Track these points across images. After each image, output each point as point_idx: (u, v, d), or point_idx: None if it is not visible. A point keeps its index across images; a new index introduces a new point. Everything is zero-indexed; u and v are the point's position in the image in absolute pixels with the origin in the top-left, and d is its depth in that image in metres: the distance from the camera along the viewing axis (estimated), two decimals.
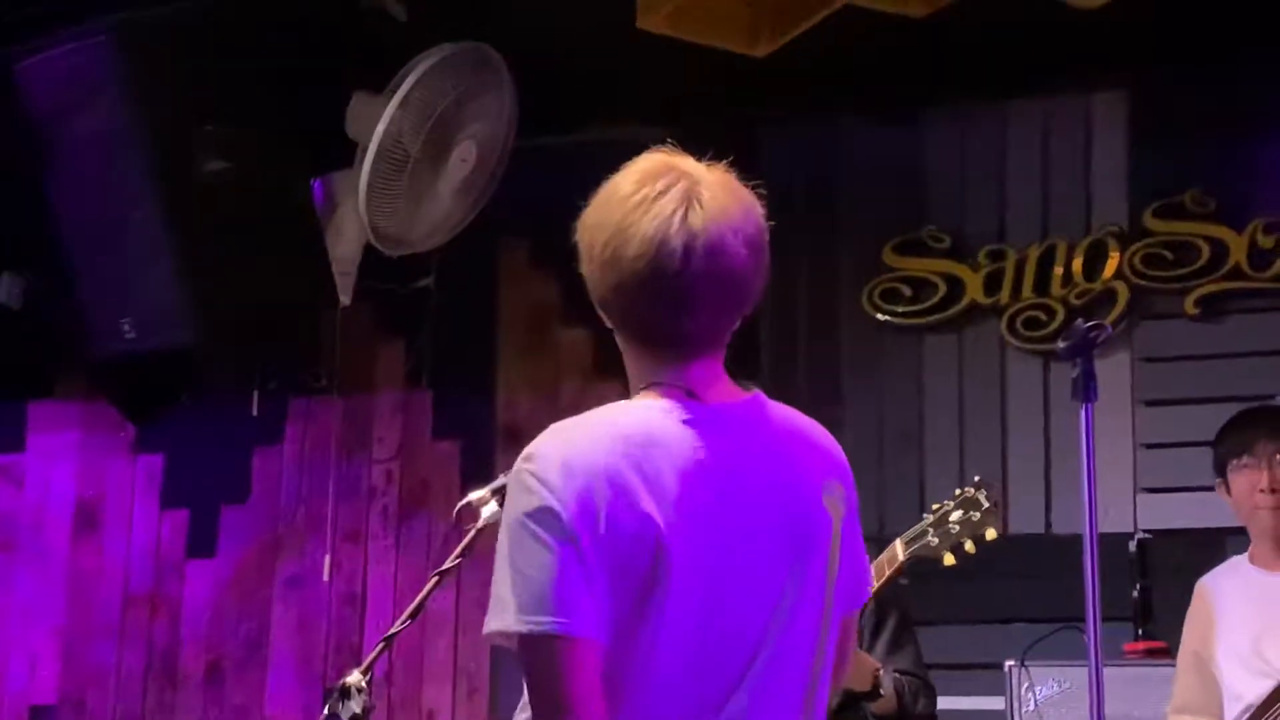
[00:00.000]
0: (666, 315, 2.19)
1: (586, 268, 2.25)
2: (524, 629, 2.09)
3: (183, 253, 4.86)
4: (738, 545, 2.14)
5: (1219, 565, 4.06)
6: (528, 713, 2.17)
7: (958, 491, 3.67)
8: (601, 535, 2.07)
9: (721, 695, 2.13)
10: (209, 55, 4.84)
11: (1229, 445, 3.93)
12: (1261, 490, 3.82)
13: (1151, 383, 5.31)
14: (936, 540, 3.60)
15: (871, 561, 3.58)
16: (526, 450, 2.17)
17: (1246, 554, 3.99)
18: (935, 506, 3.66)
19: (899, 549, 3.60)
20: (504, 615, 2.12)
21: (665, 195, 2.18)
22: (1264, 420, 3.98)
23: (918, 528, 3.61)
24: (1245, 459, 3.85)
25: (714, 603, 2.12)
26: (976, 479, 3.71)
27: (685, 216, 2.17)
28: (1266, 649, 3.75)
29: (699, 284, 2.16)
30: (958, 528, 3.60)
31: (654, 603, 2.08)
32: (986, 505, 3.62)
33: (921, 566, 3.65)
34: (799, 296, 5.76)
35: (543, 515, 2.09)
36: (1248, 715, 3.71)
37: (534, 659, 2.11)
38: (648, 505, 2.08)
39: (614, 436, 2.13)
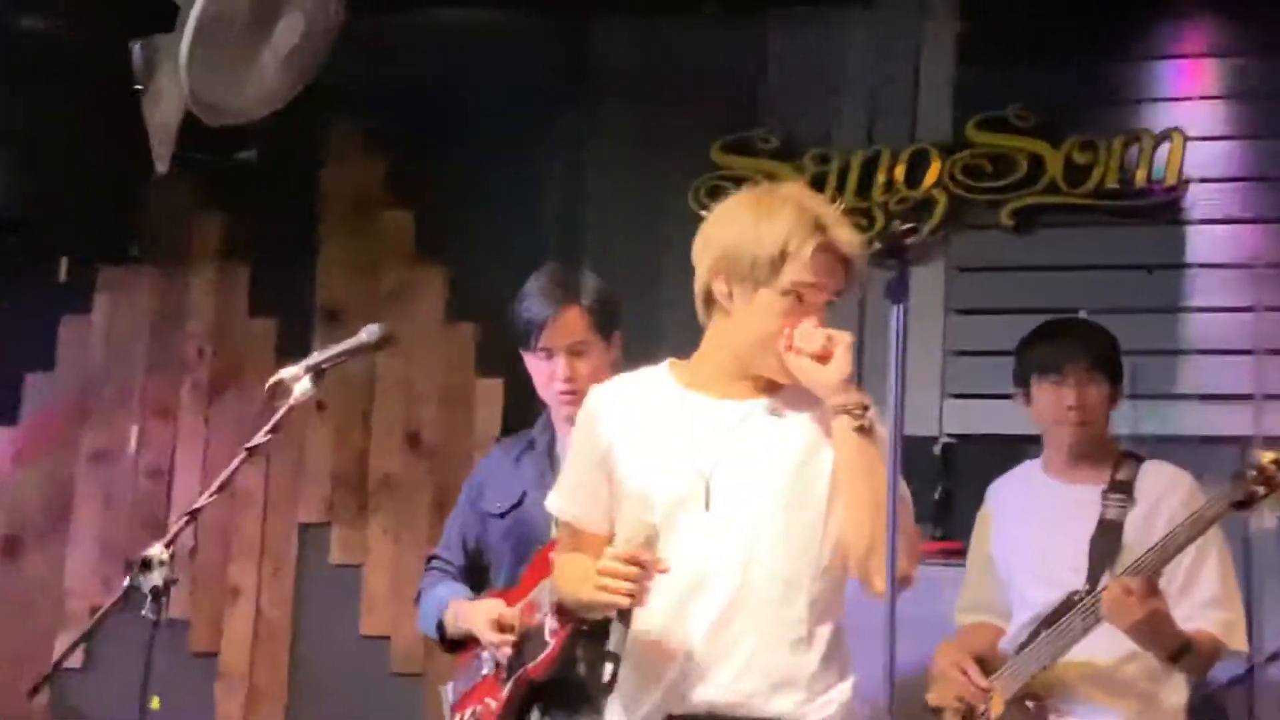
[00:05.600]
0: None
1: None
2: None
3: None
4: None
5: (1013, 469, 4.14)
6: None
7: None
8: None
9: None
10: None
11: (1036, 360, 3.95)
12: (1070, 407, 3.87)
13: (964, 292, 5.42)
14: None
15: None
16: None
17: (1040, 460, 4.05)
18: None
19: None
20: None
21: None
22: (1072, 337, 3.99)
23: None
24: (1053, 376, 3.89)
25: None
26: None
27: None
28: (1055, 558, 3.82)
29: None
30: None
31: None
32: None
33: None
34: (625, 189, 5.77)
35: None
36: (1036, 624, 3.79)
37: None
38: None
39: None
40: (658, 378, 2.98)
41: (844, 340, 2.81)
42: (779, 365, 2.83)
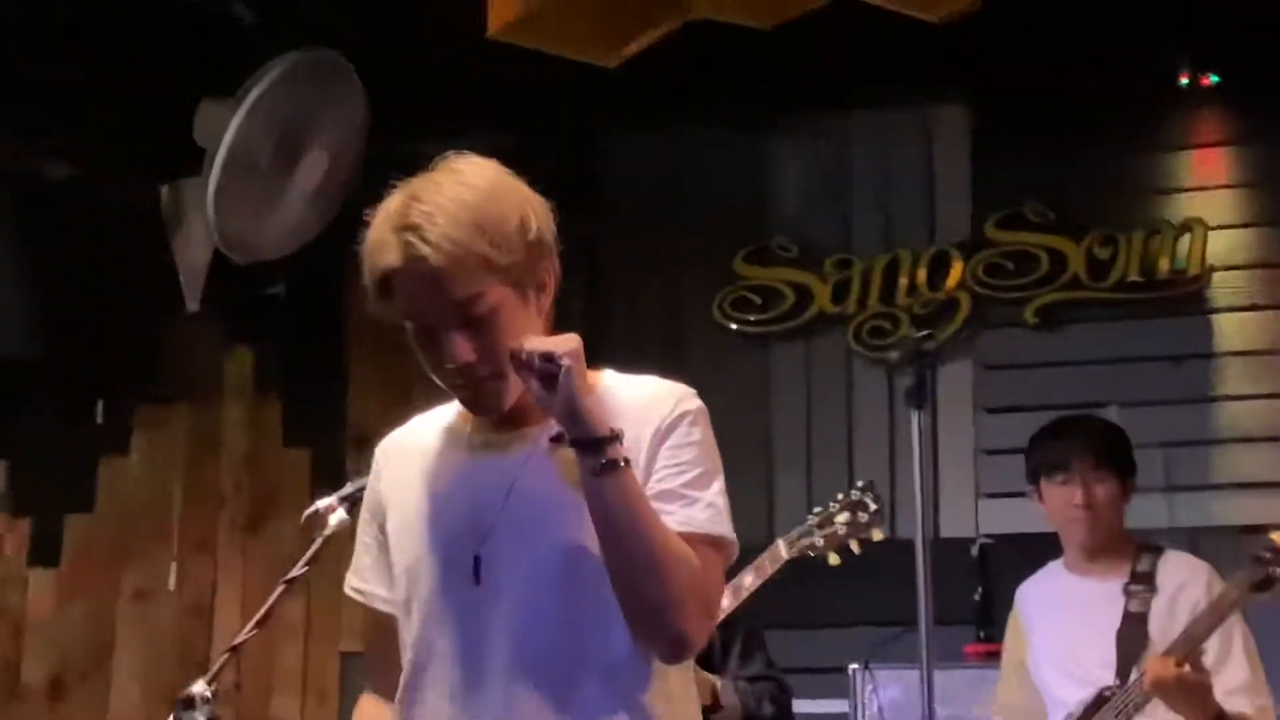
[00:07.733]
0: None
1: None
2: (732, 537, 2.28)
3: (27, 260, 4.78)
4: None
5: (1040, 570, 4.12)
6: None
7: (841, 495, 3.75)
8: None
9: None
10: (53, 60, 4.77)
11: (1043, 460, 3.92)
12: (1076, 505, 3.87)
13: (992, 390, 5.43)
14: (822, 541, 3.68)
15: (753, 563, 3.63)
16: (687, 390, 2.41)
17: (1063, 559, 4.02)
18: (818, 510, 3.74)
19: (782, 548, 3.66)
20: (726, 522, 2.26)
21: None
22: (1076, 434, 3.95)
23: (803, 528, 3.68)
24: (1059, 476, 3.86)
25: None
26: (861, 483, 3.78)
27: None
28: (1083, 654, 3.78)
29: None
30: (844, 529, 3.69)
31: None
32: (874, 508, 3.72)
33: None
34: (648, 308, 5.80)
35: None
36: None
37: (721, 563, 2.25)
38: None
39: None
40: (446, 415, 2.45)
41: (567, 353, 2.21)
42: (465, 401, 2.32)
